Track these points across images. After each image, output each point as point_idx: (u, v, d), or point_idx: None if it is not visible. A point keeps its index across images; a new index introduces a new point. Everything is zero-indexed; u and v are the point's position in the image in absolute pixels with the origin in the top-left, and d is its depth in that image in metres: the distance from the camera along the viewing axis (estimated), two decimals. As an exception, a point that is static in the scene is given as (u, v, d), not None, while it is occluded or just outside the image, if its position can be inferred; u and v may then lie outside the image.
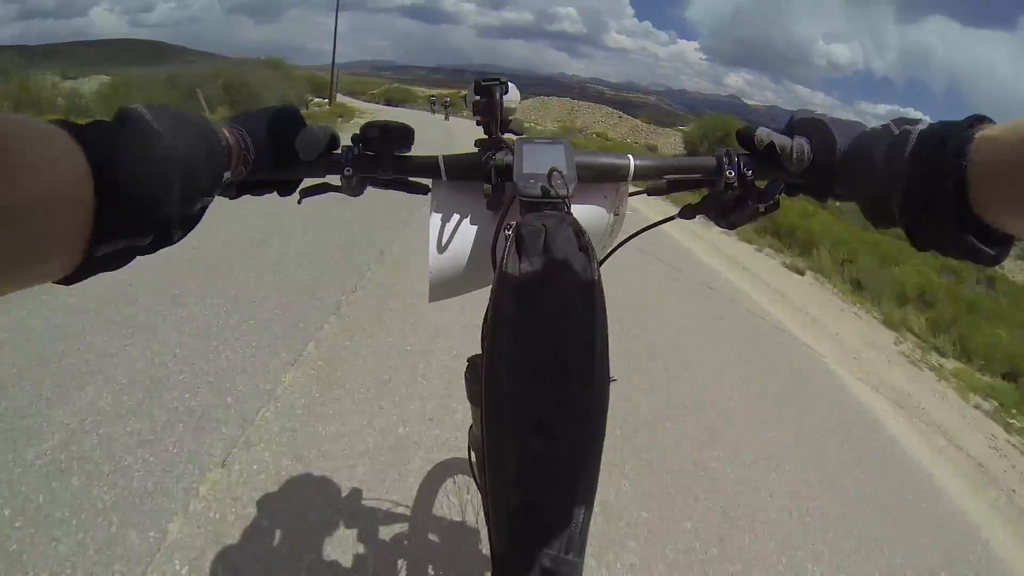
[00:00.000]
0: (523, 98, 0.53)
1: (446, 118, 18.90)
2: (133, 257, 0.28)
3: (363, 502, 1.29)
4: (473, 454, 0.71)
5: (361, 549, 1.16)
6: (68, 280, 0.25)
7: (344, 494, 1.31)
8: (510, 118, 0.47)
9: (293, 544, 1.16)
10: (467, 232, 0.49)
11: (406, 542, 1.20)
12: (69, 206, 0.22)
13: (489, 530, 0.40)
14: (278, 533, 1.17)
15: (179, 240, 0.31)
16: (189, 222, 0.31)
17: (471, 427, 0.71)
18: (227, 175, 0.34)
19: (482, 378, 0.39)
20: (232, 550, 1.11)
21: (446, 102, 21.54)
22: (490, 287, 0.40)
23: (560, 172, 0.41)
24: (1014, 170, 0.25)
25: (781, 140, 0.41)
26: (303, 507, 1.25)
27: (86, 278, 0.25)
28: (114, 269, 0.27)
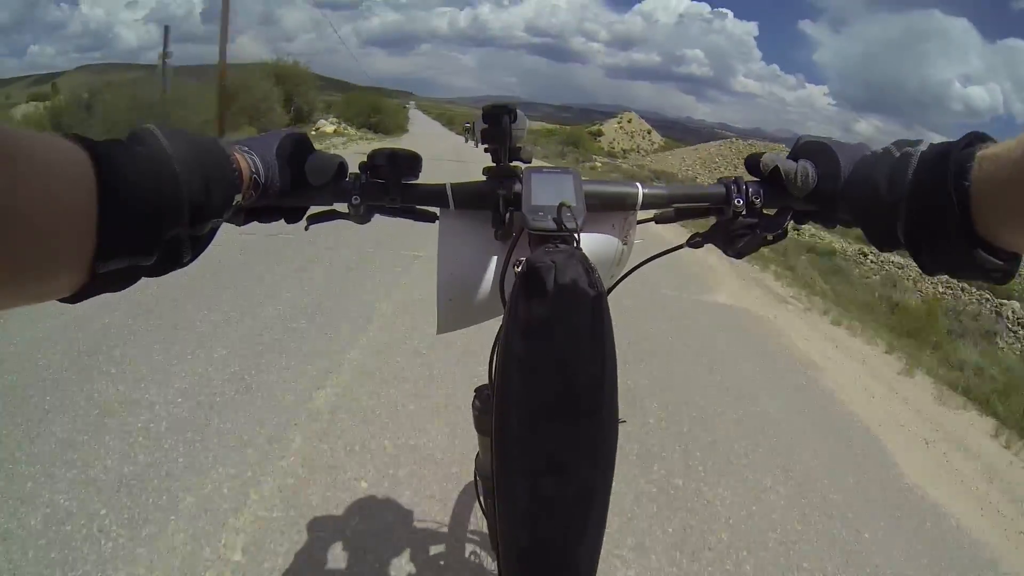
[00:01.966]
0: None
1: (476, 144, 19.92)
2: (138, 278, 0.29)
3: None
4: (480, 481, 0.74)
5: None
6: (73, 298, 0.26)
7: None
8: (519, 145, 0.49)
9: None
10: (475, 263, 0.50)
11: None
12: (73, 218, 0.23)
13: (499, 565, 0.42)
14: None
15: (189, 262, 0.32)
16: (199, 244, 0.32)
17: (477, 454, 0.74)
18: (237, 198, 0.35)
19: (492, 416, 0.41)
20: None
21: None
22: (498, 317, 0.42)
23: (569, 206, 0.42)
24: (1015, 186, 0.26)
25: (786, 164, 0.43)
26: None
27: (90, 296, 0.26)
28: (119, 289, 0.28)
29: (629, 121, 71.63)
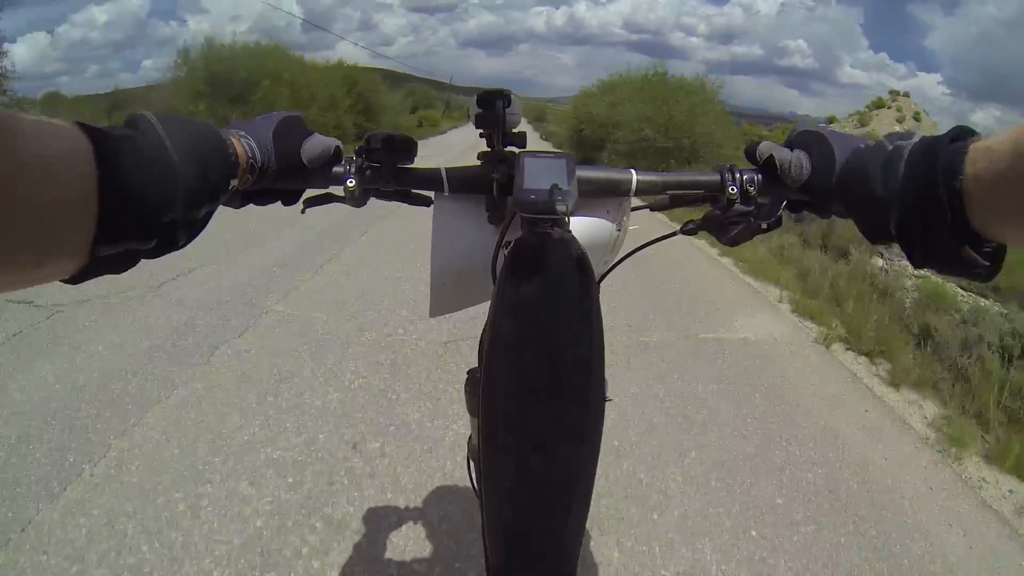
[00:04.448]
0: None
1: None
2: (137, 260, 0.30)
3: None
4: (472, 464, 0.74)
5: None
6: (73, 280, 0.27)
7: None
8: (513, 130, 0.49)
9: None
10: (468, 246, 0.52)
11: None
12: (74, 203, 0.24)
13: (485, 543, 0.45)
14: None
15: (184, 245, 0.33)
16: (194, 227, 0.33)
17: (470, 437, 0.75)
18: (233, 182, 0.37)
19: (479, 396, 0.43)
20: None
21: None
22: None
23: (561, 188, 0.42)
24: (1008, 179, 0.26)
25: (781, 153, 0.44)
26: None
27: (90, 278, 0.27)
28: (118, 272, 0.29)
29: (916, 118, 42.83)
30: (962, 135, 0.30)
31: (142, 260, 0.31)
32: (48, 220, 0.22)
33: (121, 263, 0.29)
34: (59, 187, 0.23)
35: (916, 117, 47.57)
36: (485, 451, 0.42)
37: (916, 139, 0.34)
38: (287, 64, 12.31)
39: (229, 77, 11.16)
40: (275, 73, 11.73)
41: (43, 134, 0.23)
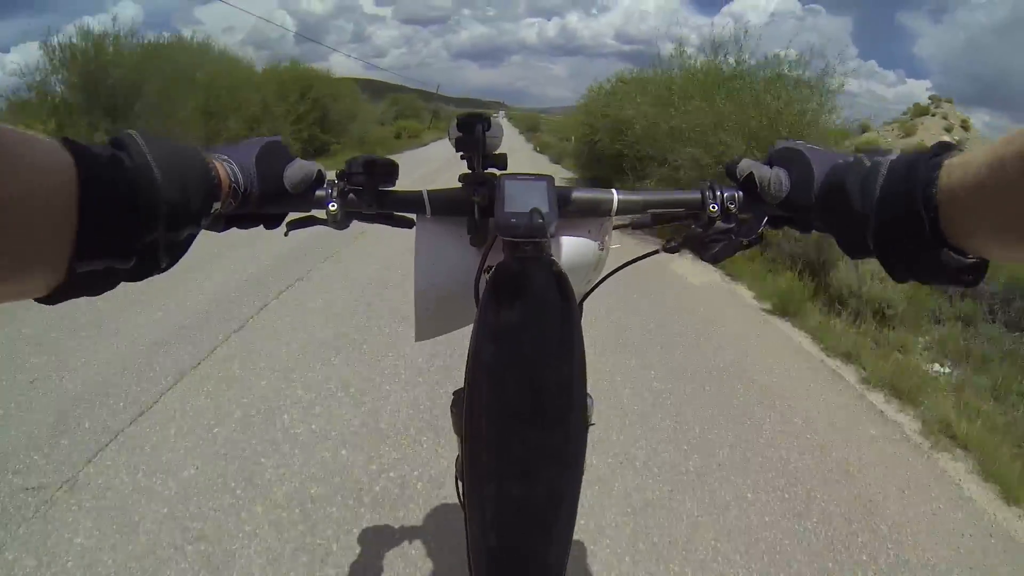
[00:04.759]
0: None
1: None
2: (117, 282, 0.30)
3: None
4: (459, 483, 0.74)
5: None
6: (49, 299, 0.26)
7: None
8: (495, 152, 0.50)
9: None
10: (451, 269, 0.52)
11: None
12: (53, 216, 0.23)
13: (470, 567, 0.46)
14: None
15: (167, 268, 0.33)
16: (176, 249, 0.33)
17: (458, 457, 0.73)
18: (216, 206, 0.37)
19: (463, 421, 0.44)
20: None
21: None
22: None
23: (541, 211, 0.42)
24: (981, 192, 0.26)
25: (760, 170, 0.44)
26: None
27: (68, 298, 0.27)
28: (97, 293, 0.29)
29: (964, 126, 36.97)
30: (943, 151, 0.30)
31: (123, 284, 0.31)
32: (26, 233, 0.22)
33: (100, 283, 0.29)
34: (38, 200, 0.23)
35: (964, 125, 43.57)
36: (469, 477, 0.42)
37: (894, 155, 0.34)
38: (202, 63, 9.12)
39: (107, 80, 7.83)
40: (181, 74, 8.44)
41: (22, 146, 0.23)
